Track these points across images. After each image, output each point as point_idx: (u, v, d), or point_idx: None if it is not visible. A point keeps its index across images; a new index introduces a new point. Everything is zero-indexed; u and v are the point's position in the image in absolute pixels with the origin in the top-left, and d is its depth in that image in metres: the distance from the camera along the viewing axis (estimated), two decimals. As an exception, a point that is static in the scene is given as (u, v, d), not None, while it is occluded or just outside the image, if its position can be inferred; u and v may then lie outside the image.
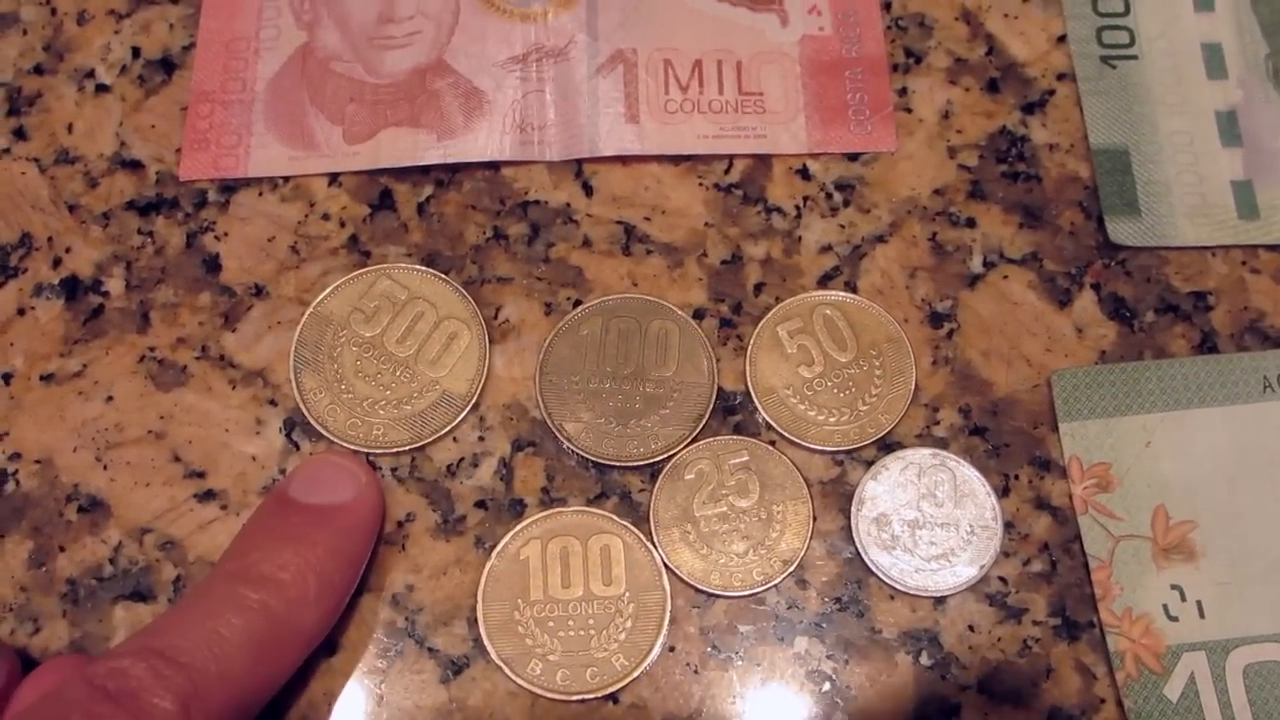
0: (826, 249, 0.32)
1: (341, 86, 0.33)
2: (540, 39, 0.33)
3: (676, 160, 0.33)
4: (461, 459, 0.30)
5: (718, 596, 0.29)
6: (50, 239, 0.33)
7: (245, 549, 0.27)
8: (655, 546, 0.29)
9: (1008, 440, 0.30)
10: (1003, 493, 0.29)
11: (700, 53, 0.33)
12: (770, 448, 0.29)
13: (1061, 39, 0.34)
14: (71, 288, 0.32)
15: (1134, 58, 0.33)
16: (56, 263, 0.32)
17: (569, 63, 0.33)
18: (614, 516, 0.29)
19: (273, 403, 0.31)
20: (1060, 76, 0.34)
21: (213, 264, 0.32)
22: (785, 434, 0.30)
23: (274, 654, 0.25)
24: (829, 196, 0.32)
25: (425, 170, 0.33)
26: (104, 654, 0.25)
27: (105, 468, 0.30)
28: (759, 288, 0.31)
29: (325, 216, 0.33)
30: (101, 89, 0.35)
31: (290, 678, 0.26)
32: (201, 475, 0.30)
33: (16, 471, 0.30)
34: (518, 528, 0.29)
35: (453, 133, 0.33)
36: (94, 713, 0.23)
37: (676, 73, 0.33)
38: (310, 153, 0.33)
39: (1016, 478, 0.30)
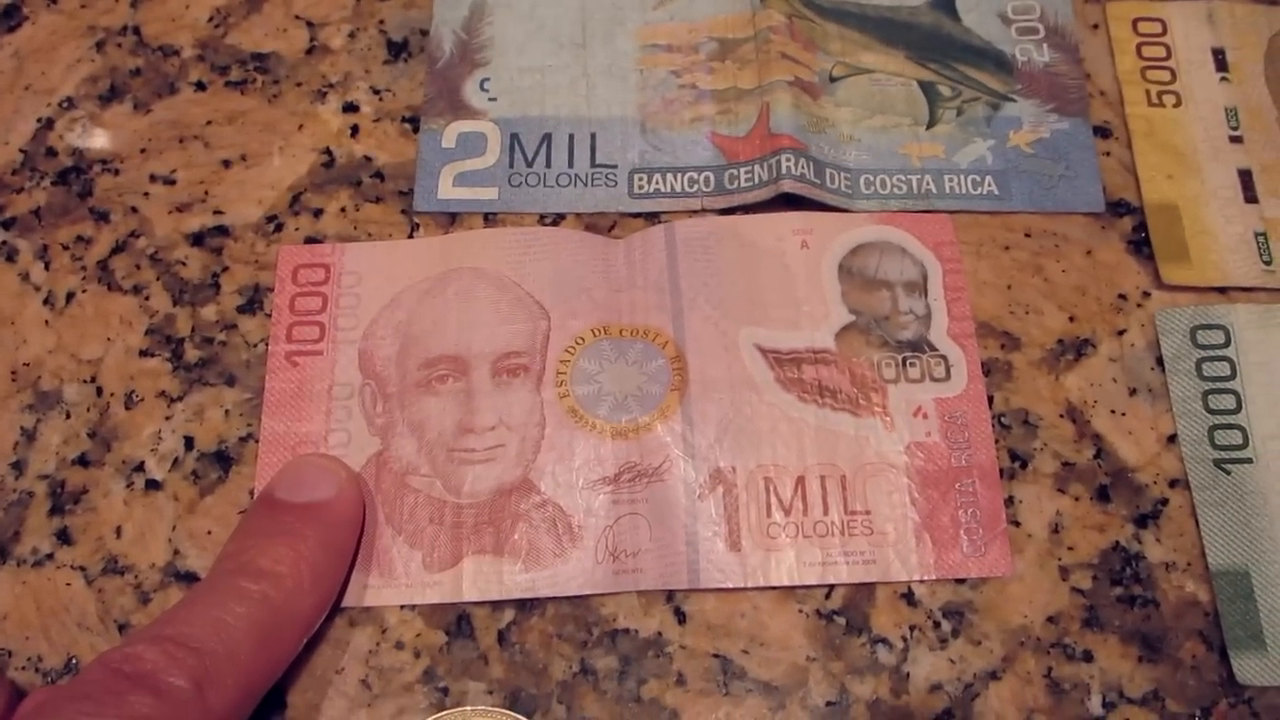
0: (937, 688, 0.30)
1: (420, 505, 0.31)
2: (633, 457, 0.31)
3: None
4: None
5: None
6: (104, 677, 0.30)
7: (241, 548, 0.28)
8: None
9: None
10: None
11: (802, 468, 0.31)
12: None
13: (1172, 438, 0.33)
14: (131, 740, 0.29)
15: (1249, 460, 0.32)
16: (113, 707, 0.30)
17: (664, 484, 0.31)
18: None
19: None
20: (1173, 483, 0.32)
21: (276, 700, 0.30)
22: None
23: (275, 639, 0.27)
24: (937, 626, 0.31)
25: (510, 597, 0.31)
26: (119, 643, 0.27)
27: None
28: (871, 743, 0.30)
29: (399, 645, 0.30)
30: (152, 485, 0.32)
31: (289, 663, 0.28)
32: None
33: None
34: None
35: (540, 562, 0.30)
36: (114, 689, 0.24)
37: (778, 492, 0.31)
38: (387, 581, 0.30)
39: None
